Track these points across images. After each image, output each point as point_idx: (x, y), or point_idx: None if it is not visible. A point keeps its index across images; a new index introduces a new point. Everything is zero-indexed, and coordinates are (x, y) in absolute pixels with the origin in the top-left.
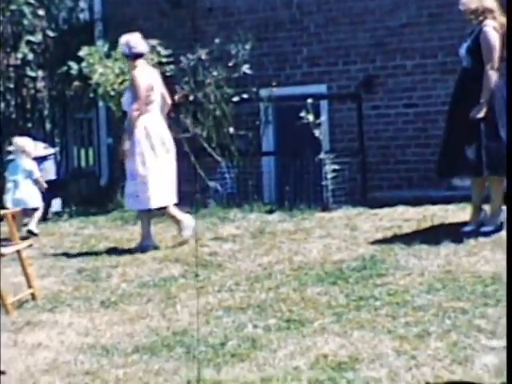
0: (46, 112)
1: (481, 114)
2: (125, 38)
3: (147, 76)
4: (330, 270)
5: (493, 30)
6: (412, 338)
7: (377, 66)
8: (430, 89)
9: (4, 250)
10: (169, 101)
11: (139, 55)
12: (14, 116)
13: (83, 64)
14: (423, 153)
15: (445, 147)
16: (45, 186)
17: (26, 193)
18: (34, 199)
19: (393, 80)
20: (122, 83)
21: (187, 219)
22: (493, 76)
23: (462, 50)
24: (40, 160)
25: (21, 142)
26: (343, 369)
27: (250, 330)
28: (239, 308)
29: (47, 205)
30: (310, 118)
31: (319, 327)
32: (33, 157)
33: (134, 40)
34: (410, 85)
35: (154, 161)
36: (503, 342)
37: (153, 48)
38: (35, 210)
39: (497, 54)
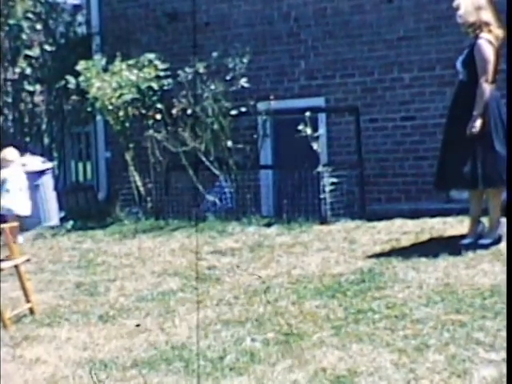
0: (43, 126)
1: (476, 128)
2: None
3: None
4: (329, 284)
5: (487, 43)
6: (411, 351)
7: (374, 78)
8: (428, 101)
9: (2, 265)
10: None
11: None
12: (11, 130)
13: (81, 78)
14: (421, 165)
15: (442, 160)
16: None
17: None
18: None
19: (390, 93)
20: (119, 97)
21: None
22: (487, 89)
23: (459, 63)
24: (38, 174)
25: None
26: (342, 382)
27: (248, 343)
28: (238, 322)
29: None
30: (308, 131)
31: (318, 340)
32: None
33: None
34: (407, 98)
35: None
36: (502, 355)
37: (150, 62)
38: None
39: (491, 66)
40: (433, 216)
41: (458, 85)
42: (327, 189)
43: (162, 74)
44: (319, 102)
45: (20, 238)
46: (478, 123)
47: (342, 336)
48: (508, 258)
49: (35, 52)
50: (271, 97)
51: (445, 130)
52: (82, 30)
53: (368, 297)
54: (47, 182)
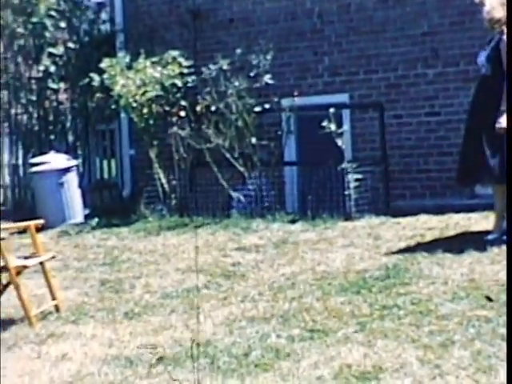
0: (68, 124)
1: (503, 123)
2: None
3: None
4: (354, 280)
5: None
6: (436, 347)
7: (398, 74)
8: (452, 97)
9: (27, 262)
10: None
11: None
12: (36, 128)
13: (105, 76)
14: (445, 161)
15: (464, 155)
16: None
17: None
18: None
19: (414, 89)
20: (143, 94)
21: None
22: None
23: (481, 58)
24: (62, 172)
25: None
26: (367, 378)
27: (273, 340)
28: (262, 318)
29: None
30: (332, 127)
31: (343, 337)
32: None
33: None
34: (431, 93)
35: None
36: None
37: (174, 59)
38: None
39: None
40: (457, 212)
41: (481, 79)
42: (352, 185)
43: (185, 71)
44: (343, 98)
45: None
46: (506, 118)
47: (367, 332)
48: (508, 258)
49: (59, 50)
50: (295, 93)
51: (467, 125)
52: (105, 27)
53: (393, 293)
54: (72, 179)
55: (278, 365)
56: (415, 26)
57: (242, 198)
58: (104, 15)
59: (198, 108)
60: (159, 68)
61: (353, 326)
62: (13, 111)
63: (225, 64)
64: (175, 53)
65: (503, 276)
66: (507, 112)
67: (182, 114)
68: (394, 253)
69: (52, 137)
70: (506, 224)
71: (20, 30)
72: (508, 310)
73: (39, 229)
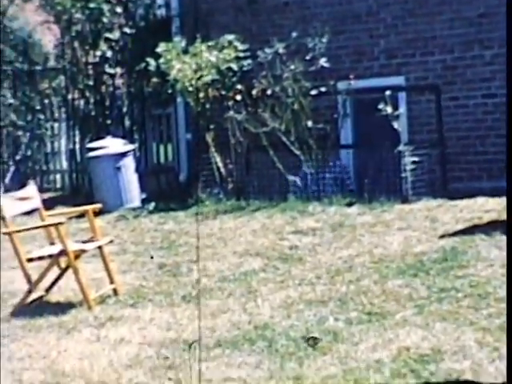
0: (124, 109)
1: None
2: None
3: None
4: (411, 262)
5: None
6: (494, 330)
7: (455, 56)
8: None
9: (86, 246)
10: None
11: None
12: (93, 113)
13: (161, 60)
14: (502, 143)
15: None
16: None
17: None
18: None
19: (471, 70)
20: (199, 78)
21: None
22: None
23: None
24: (119, 156)
25: None
26: (425, 361)
27: (331, 323)
28: (320, 301)
29: None
30: (389, 110)
31: (401, 319)
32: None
33: None
34: (488, 75)
35: None
36: None
37: (230, 43)
38: None
39: None
40: None
41: None
42: (408, 168)
43: (241, 54)
44: (399, 80)
45: None
46: None
47: (425, 315)
48: (508, 258)
49: (115, 35)
50: (351, 76)
51: None
52: (161, 12)
53: (451, 275)
54: (129, 164)
55: (336, 348)
56: (471, 7)
57: (298, 181)
58: (160, 0)
59: (254, 92)
60: (215, 52)
61: (411, 308)
62: (70, 96)
63: (280, 47)
64: (231, 37)
65: None
66: (507, 112)
67: (238, 97)
68: (451, 235)
69: (109, 122)
70: (506, 223)
71: (77, 15)
72: (508, 310)
73: (97, 213)
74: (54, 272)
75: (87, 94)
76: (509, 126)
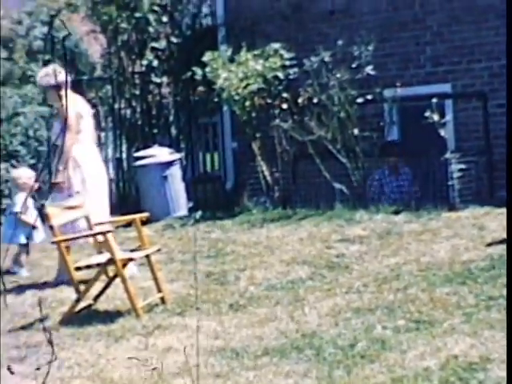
0: (171, 118)
1: None
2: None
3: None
4: (459, 270)
5: None
6: None
7: (501, 63)
8: None
9: (134, 255)
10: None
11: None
12: (139, 122)
13: (207, 69)
14: None
15: None
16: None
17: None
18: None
19: None
20: (245, 87)
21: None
22: None
23: None
24: (166, 165)
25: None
26: (474, 369)
27: (379, 331)
28: (368, 309)
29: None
30: (435, 117)
31: (449, 327)
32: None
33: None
34: None
35: None
36: None
37: (275, 51)
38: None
39: None
40: None
41: None
42: (455, 175)
43: (287, 63)
44: (446, 88)
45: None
46: None
47: (474, 323)
48: (508, 257)
49: (161, 44)
50: (397, 84)
51: None
52: (207, 21)
53: (499, 283)
54: (175, 172)
55: (384, 356)
56: None
57: (344, 189)
58: (205, 9)
59: (300, 100)
60: (261, 61)
61: (459, 316)
62: (116, 106)
63: (326, 56)
64: (277, 45)
65: None
66: (507, 112)
67: (284, 106)
68: (499, 243)
69: (155, 130)
70: (506, 223)
71: (123, 25)
72: (508, 309)
73: (144, 222)
74: (102, 281)
75: (134, 103)
76: (509, 128)
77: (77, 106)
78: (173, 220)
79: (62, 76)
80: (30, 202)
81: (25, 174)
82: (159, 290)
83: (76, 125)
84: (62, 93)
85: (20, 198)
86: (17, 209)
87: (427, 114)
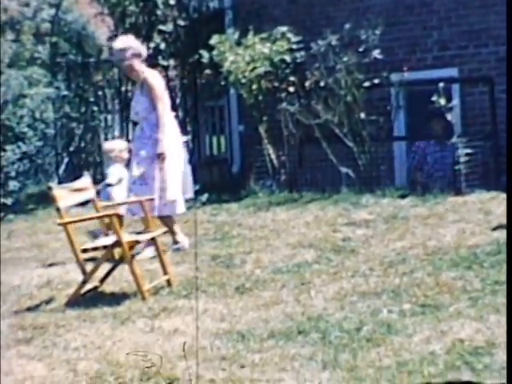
0: (178, 100)
1: None
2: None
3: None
4: (465, 255)
5: None
6: None
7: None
8: None
9: (140, 237)
10: None
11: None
12: None
13: (214, 52)
14: None
15: None
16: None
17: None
18: None
19: None
20: (252, 70)
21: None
22: None
23: None
24: None
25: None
26: (480, 353)
27: (385, 315)
28: (374, 293)
29: None
30: (442, 102)
31: (455, 312)
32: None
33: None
34: None
35: None
36: None
37: (283, 35)
38: None
39: None
40: None
41: None
42: (462, 160)
43: (294, 46)
44: (452, 72)
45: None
46: None
47: (479, 307)
48: (508, 257)
49: (169, 27)
50: (404, 68)
51: None
52: (214, 4)
53: (504, 268)
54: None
55: (389, 340)
56: None
57: (350, 173)
58: None
59: (307, 83)
60: (268, 44)
61: (464, 301)
62: (123, 88)
63: (333, 39)
64: (284, 29)
65: None
66: (507, 112)
67: (291, 89)
68: (505, 228)
69: None
70: (506, 223)
71: (131, 7)
72: (508, 309)
73: None
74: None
75: None
76: (509, 126)
77: (157, 78)
78: None
79: (142, 46)
80: (125, 173)
81: (117, 147)
82: (165, 273)
83: (165, 95)
84: (143, 64)
85: (113, 170)
86: (111, 181)
87: (434, 98)
